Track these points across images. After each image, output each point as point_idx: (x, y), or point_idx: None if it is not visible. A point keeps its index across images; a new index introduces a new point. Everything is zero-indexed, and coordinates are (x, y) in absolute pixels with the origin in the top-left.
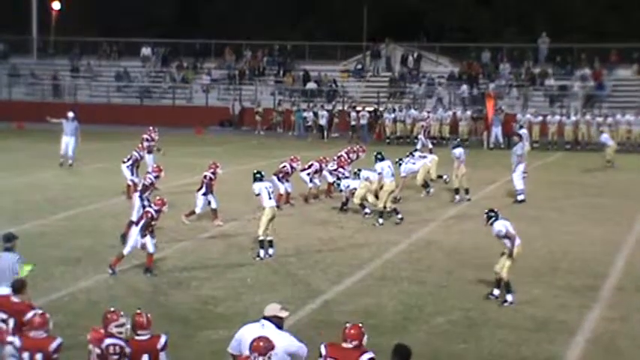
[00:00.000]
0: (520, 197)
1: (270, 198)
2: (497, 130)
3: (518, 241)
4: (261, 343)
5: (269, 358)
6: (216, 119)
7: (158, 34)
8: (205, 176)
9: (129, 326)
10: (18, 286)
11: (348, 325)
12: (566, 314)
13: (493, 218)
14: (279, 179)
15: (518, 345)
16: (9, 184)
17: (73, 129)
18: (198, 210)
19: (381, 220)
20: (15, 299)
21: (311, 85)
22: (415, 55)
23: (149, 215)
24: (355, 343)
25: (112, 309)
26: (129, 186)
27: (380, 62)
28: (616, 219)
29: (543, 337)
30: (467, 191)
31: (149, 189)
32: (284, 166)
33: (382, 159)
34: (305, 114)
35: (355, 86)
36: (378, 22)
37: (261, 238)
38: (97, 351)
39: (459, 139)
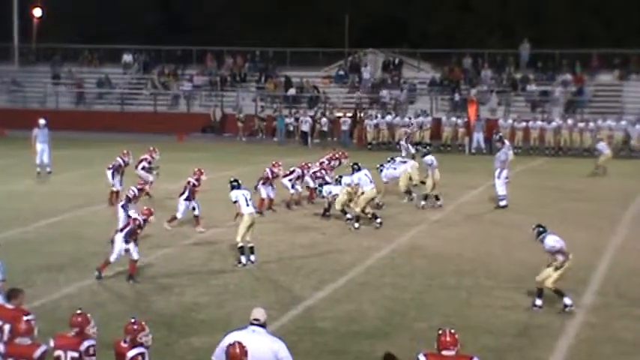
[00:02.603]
0: (502, 203)
1: (247, 205)
2: (479, 136)
3: (570, 256)
4: (237, 350)
5: None
6: (198, 126)
7: (140, 40)
8: (189, 182)
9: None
10: (13, 294)
11: (441, 332)
12: (549, 320)
13: (543, 234)
14: (262, 185)
15: (502, 351)
16: None
17: (46, 136)
18: (179, 215)
19: (357, 225)
20: (9, 306)
21: (293, 92)
22: (396, 61)
23: (137, 223)
24: (456, 349)
25: (133, 320)
26: (112, 192)
27: (358, 74)
28: (598, 224)
29: (526, 343)
30: (437, 197)
31: (132, 201)
32: (265, 172)
33: (359, 169)
34: (287, 120)
35: (337, 92)
36: (360, 28)
37: (240, 244)
38: (74, 355)
39: (427, 147)
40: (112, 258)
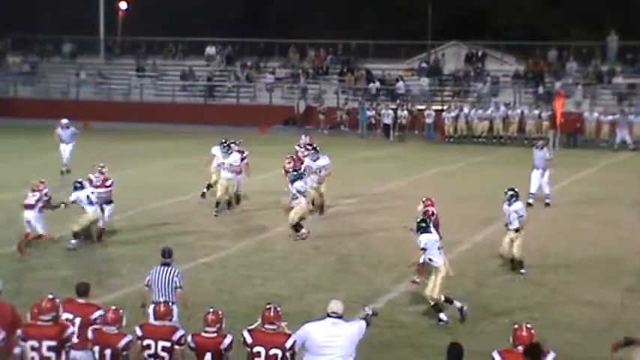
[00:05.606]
0: (547, 200)
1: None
2: (624, 132)
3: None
4: (272, 313)
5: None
6: (280, 118)
7: (223, 33)
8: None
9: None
10: (83, 290)
11: (517, 326)
12: (633, 315)
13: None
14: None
15: (584, 346)
16: None
17: (69, 136)
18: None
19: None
20: (80, 301)
21: (374, 84)
22: (479, 53)
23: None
24: None
25: (212, 309)
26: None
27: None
28: None
29: (610, 338)
30: None
31: None
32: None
33: (81, 187)
34: (369, 113)
35: (420, 85)
36: (442, 20)
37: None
38: (166, 344)
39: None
40: None
